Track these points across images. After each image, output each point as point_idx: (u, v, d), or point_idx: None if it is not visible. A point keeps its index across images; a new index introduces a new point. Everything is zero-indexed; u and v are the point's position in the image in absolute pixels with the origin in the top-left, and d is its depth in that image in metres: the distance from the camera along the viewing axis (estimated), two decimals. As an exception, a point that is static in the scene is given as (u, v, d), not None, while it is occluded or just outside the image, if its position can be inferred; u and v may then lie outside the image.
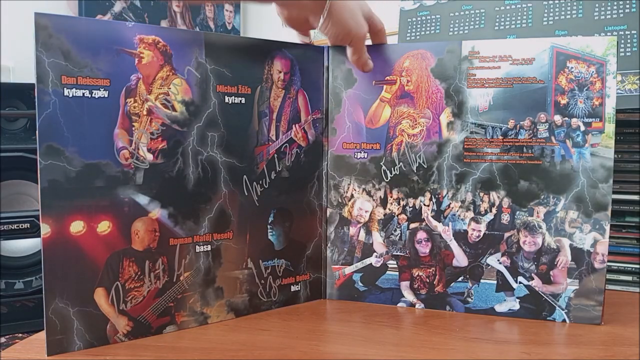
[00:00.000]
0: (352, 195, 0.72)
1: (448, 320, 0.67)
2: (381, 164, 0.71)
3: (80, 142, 0.55)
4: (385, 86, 0.70)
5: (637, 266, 0.81)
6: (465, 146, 0.68)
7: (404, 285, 0.71)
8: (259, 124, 0.67)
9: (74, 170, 0.55)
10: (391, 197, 0.71)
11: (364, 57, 0.68)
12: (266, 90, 0.67)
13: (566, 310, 0.66)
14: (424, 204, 0.70)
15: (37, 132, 0.54)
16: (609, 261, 0.69)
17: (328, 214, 0.73)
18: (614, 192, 0.65)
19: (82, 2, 2.06)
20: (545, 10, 0.88)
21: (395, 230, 0.71)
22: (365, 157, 0.71)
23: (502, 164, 0.67)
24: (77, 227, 0.56)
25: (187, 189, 0.62)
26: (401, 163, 0.70)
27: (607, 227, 0.64)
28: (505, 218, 0.67)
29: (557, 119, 0.65)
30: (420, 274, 0.70)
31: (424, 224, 0.70)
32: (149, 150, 0.59)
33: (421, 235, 0.70)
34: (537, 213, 0.66)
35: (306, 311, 0.70)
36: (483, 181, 0.67)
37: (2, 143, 1.70)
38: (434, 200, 0.69)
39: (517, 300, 0.67)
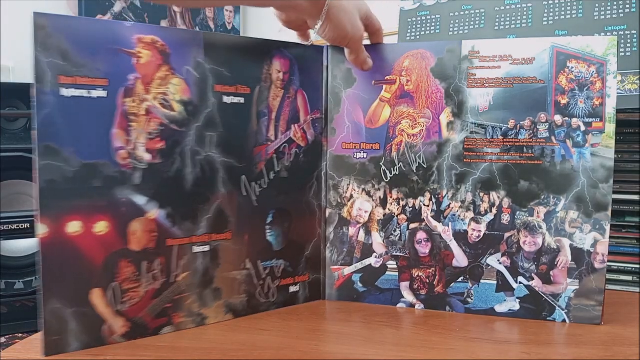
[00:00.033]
0: (351, 196, 0.72)
1: (448, 320, 0.66)
2: (381, 164, 0.70)
3: (78, 142, 0.55)
4: (385, 86, 0.70)
5: (637, 266, 0.80)
6: (465, 146, 0.67)
7: (404, 285, 0.71)
8: (258, 124, 0.67)
9: (72, 171, 0.55)
10: (391, 197, 0.70)
11: (362, 56, 0.68)
12: (265, 90, 0.67)
13: (566, 311, 0.66)
14: (424, 204, 0.69)
15: (35, 132, 0.53)
16: (609, 261, 0.69)
17: (327, 214, 0.73)
18: (614, 192, 0.64)
19: (82, 2, 2.06)
20: (545, 10, 0.88)
21: (395, 231, 0.71)
22: (365, 157, 0.71)
23: (502, 164, 0.67)
24: (74, 227, 0.55)
25: (186, 189, 0.62)
26: (401, 163, 0.70)
27: (608, 227, 0.64)
28: (506, 218, 0.67)
29: (558, 119, 0.65)
30: (420, 274, 0.70)
31: (423, 224, 0.70)
32: (147, 150, 0.59)
33: (421, 235, 0.70)
34: (538, 213, 0.66)
35: (306, 311, 0.70)
36: (483, 181, 0.67)
37: (2, 143, 1.71)
38: (433, 200, 0.69)
39: (517, 301, 0.67)
